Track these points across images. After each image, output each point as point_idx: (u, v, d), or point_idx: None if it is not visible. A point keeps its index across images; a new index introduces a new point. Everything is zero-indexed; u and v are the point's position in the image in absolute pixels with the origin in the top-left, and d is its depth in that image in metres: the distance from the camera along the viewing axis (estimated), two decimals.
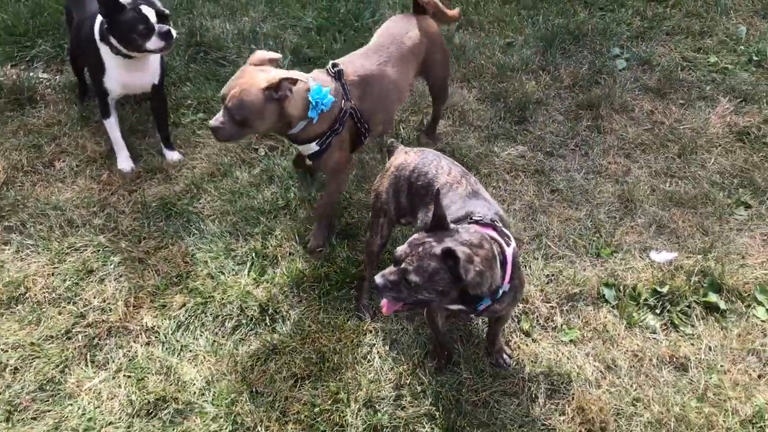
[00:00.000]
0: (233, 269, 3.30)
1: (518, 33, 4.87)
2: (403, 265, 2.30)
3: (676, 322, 3.03)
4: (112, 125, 3.73)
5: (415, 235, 2.37)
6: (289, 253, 3.37)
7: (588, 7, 5.15)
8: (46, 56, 4.55)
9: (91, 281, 3.22)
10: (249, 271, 3.29)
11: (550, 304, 3.11)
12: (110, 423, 2.72)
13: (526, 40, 4.78)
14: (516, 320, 3.05)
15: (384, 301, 2.43)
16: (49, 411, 2.75)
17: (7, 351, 2.93)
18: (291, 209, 3.58)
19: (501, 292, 2.39)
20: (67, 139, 3.94)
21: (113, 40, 3.39)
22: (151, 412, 2.76)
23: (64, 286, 3.18)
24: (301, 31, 4.73)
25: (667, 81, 4.45)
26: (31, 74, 4.41)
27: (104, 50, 3.47)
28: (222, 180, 3.74)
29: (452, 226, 2.35)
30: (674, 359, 2.88)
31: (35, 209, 3.53)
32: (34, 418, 2.73)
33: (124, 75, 3.55)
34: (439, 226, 2.33)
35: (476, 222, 2.48)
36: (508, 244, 2.44)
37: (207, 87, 4.27)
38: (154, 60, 3.59)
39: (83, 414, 2.74)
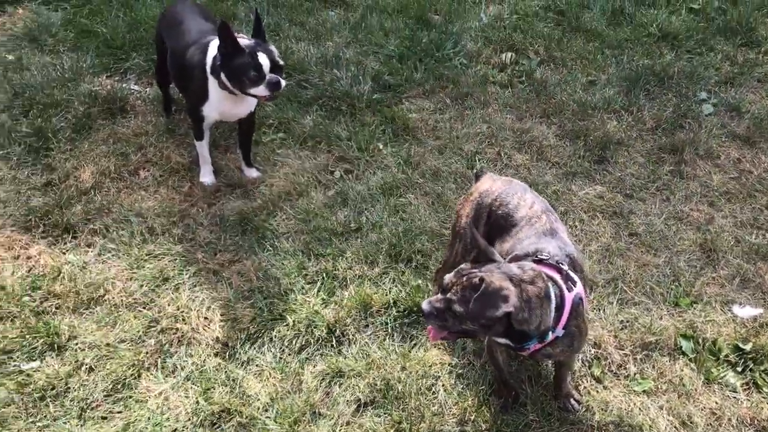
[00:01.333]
0: (303, 288, 3.34)
1: (601, 71, 4.81)
2: (448, 295, 2.27)
3: (759, 382, 2.87)
4: (203, 145, 3.85)
5: (464, 264, 2.34)
6: (359, 276, 3.39)
7: (675, 49, 5.04)
8: (138, 69, 4.77)
9: (167, 289, 3.32)
10: (319, 291, 3.32)
11: (624, 352, 3.00)
12: (175, 430, 2.78)
13: (609, 79, 4.71)
14: (587, 365, 2.96)
15: (429, 328, 2.41)
16: (119, 412, 2.82)
17: (84, 350, 3.03)
18: (363, 233, 3.61)
19: (553, 335, 2.31)
20: (152, 149, 4.10)
21: (223, 77, 3.46)
22: (215, 423, 2.80)
23: (140, 291, 3.29)
24: (382, 58, 4.81)
25: (757, 129, 4.29)
26: (123, 85, 4.63)
27: (212, 82, 3.55)
28: (298, 199, 3.81)
29: (498, 258, 2.32)
30: (756, 422, 2.73)
31: (119, 215, 3.68)
32: (105, 418, 2.81)
33: (225, 105, 3.64)
34: (484, 257, 2.30)
35: (540, 261, 2.42)
36: (570, 289, 2.36)
37: (288, 108, 4.38)
38: None
39: (150, 418, 2.80)
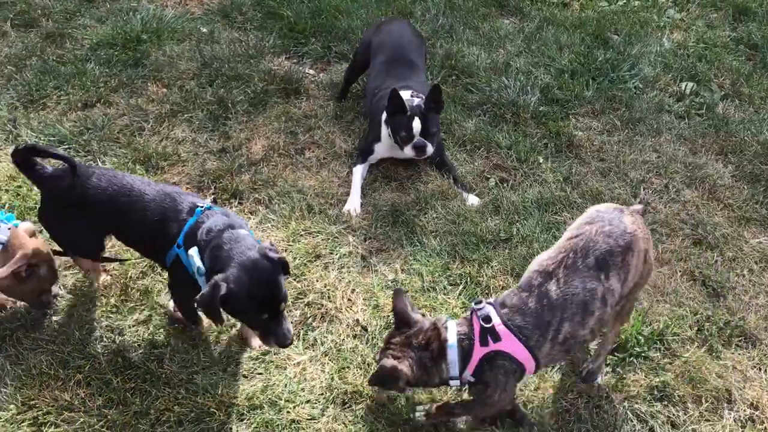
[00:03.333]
0: (445, 288, 3.36)
1: None
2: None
3: None
4: (359, 171, 3.95)
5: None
6: (503, 287, 3.35)
7: None
8: (315, 55, 5.01)
9: (317, 265, 3.46)
10: (460, 294, 3.32)
11: None
12: (308, 401, 2.90)
13: None
14: (740, 424, 2.73)
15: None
16: (260, 374, 2.99)
17: None
18: (512, 244, 3.56)
19: (464, 379, 2.57)
20: (319, 132, 4.29)
21: (389, 128, 3.87)
22: (346, 402, 2.89)
23: (293, 264, 3.45)
24: (553, 71, 4.71)
25: None
26: (300, 68, 4.89)
27: (384, 128, 3.91)
28: (450, 201, 3.83)
29: (413, 321, 2.67)
30: None
31: (282, 189, 3.88)
32: (245, 377, 2.99)
33: (392, 151, 3.98)
34: (402, 323, 2.67)
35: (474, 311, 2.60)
36: (486, 344, 2.50)
37: (452, 110, 4.41)
38: None
39: (286, 385, 2.94)
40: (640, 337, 3.08)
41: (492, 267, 3.44)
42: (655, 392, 2.91)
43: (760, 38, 5.03)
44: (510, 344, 2.49)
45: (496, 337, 2.50)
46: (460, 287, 3.36)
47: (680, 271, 3.45)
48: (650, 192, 3.87)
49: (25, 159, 2.92)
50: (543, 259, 2.59)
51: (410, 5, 5.41)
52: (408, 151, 3.77)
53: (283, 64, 4.88)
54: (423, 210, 3.77)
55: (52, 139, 4.11)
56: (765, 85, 4.64)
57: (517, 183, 3.95)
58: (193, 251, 2.67)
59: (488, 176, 4.02)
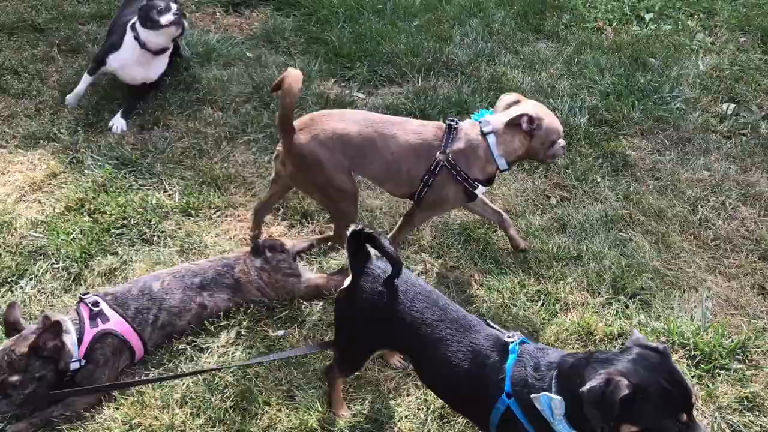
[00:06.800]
0: (525, 304, 3.43)
1: None
2: None
3: None
4: (87, 81, 4.59)
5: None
6: (581, 303, 3.43)
7: None
8: (361, 78, 5.10)
9: None
10: (540, 311, 3.39)
11: None
12: (406, 417, 2.92)
13: None
14: None
15: None
16: (354, 391, 3.02)
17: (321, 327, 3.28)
18: (583, 261, 3.64)
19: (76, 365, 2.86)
20: None
21: None
22: (444, 417, 2.92)
23: None
24: (598, 94, 4.85)
25: None
26: (346, 91, 4.98)
27: (128, 34, 4.44)
28: (517, 219, 3.91)
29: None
30: None
31: None
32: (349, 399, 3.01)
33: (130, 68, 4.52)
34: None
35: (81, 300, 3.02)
36: (96, 325, 2.93)
37: None
38: None
39: (383, 402, 2.97)
40: (722, 350, 3.17)
41: (568, 283, 3.51)
42: (745, 402, 2.99)
43: None
44: (112, 324, 2.95)
45: (105, 318, 2.94)
46: (539, 303, 3.43)
47: (749, 285, 3.56)
48: (709, 210, 3.99)
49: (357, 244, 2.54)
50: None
51: (449, 30, 5.55)
52: (168, 18, 4.21)
53: (332, 88, 4.97)
54: (492, 228, 3.84)
55: (117, 161, 4.14)
56: None
57: (578, 201, 4.05)
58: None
59: (549, 195, 4.11)
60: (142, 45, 4.37)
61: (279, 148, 3.28)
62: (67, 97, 4.59)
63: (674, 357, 3.16)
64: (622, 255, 3.68)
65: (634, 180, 4.22)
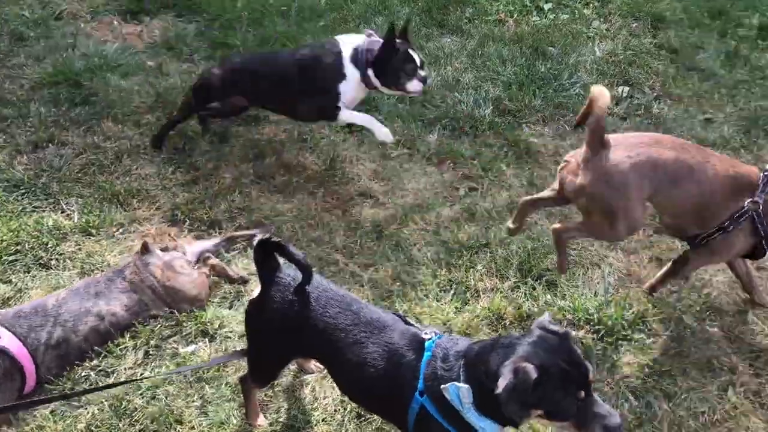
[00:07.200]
0: (438, 295, 3.47)
1: (718, 110, 4.86)
2: None
3: None
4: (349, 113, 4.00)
5: None
6: (491, 289, 3.50)
7: None
8: None
9: None
10: (452, 300, 3.45)
11: (760, 380, 3.04)
12: (323, 420, 2.91)
13: (727, 118, 4.76)
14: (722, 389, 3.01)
15: None
16: (270, 400, 2.98)
17: (232, 338, 3.22)
18: (492, 248, 3.72)
19: None
20: (288, 155, 4.33)
21: None
22: (361, 415, 2.92)
23: None
24: (501, 84, 4.97)
25: None
26: None
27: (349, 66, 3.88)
28: (427, 212, 3.96)
29: None
30: None
31: (259, 214, 3.89)
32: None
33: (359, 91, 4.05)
34: None
35: None
36: None
37: (414, 126, 4.58)
38: None
39: (299, 408, 2.95)
40: (624, 322, 3.30)
41: (478, 270, 3.58)
42: (646, 369, 3.13)
43: (678, 43, 5.52)
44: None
45: None
46: (451, 292, 3.48)
47: (647, 258, 3.72)
48: None
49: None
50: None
51: (355, 28, 5.55)
52: (415, 86, 3.82)
53: None
54: (403, 223, 3.88)
55: (8, 184, 3.94)
56: (690, 85, 5.09)
57: (485, 191, 4.14)
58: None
59: (458, 186, 4.18)
60: None
61: (570, 158, 3.05)
62: None
63: (580, 332, 3.30)
64: (528, 239, 3.78)
65: (537, 166, 4.34)
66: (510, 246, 3.72)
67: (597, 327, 3.31)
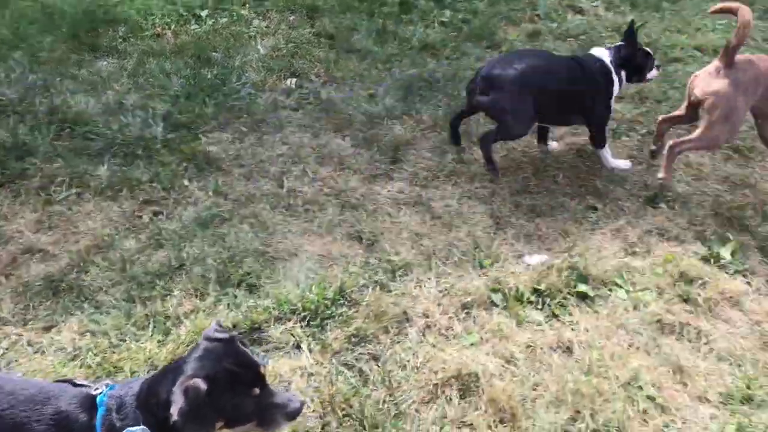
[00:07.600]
0: (136, 335, 3.24)
1: (378, 85, 5.28)
2: None
3: (556, 312, 3.40)
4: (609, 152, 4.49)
5: None
6: (192, 311, 3.37)
7: (435, 57, 5.69)
8: None
9: None
10: (152, 335, 3.24)
11: (448, 315, 3.37)
12: None
13: (387, 90, 5.19)
14: (422, 333, 3.27)
15: None
16: None
17: None
18: (186, 268, 3.59)
19: None
20: None
21: None
22: None
23: None
24: (169, 99, 4.81)
25: None
26: None
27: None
28: (109, 251, 3.67)
29: None
30: (560, 344, 3.23)
31: None
32: None
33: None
34: None
35: None
36: None
37: (79, 162, 4.20)
38: None
39: None
40: (327, 301, 3.42)
41: (175, 296, 3.42)
42: (353, 339, 3.28)
43: (333, 29, 5.88)
44: None
45: None
46: (151, 327, 3.27)
47: (340, 236, 3.91)
48: (293, 178, 4.27)
49: None
50: None
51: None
52: (655, 72, 4.47)
53: None
54: (83, 270, 3.54)
55: None
56: (349, 67, 5.45)
57: (171, 211, 3.97)
58: None
59: (140, 214, 3.95)
60: None
61: (699, 73, 4.01)
62: None
63: (289, 324, 3.33)
64: (223, 249, 3.72)
65: (221, 173, 4.29)
66: (206, 261, 3.63)
67: (303, 314, 3.38)
